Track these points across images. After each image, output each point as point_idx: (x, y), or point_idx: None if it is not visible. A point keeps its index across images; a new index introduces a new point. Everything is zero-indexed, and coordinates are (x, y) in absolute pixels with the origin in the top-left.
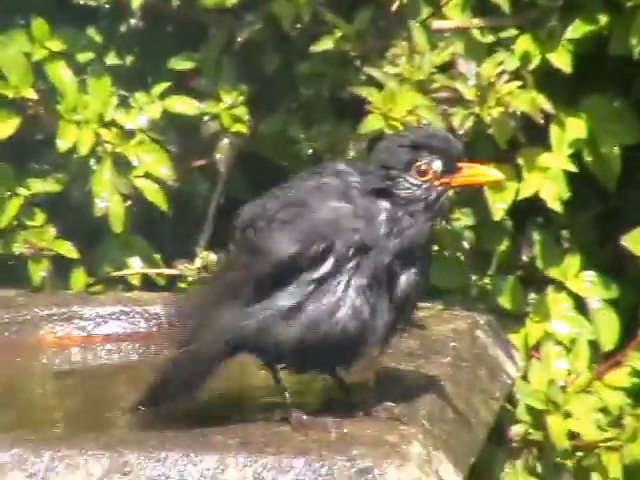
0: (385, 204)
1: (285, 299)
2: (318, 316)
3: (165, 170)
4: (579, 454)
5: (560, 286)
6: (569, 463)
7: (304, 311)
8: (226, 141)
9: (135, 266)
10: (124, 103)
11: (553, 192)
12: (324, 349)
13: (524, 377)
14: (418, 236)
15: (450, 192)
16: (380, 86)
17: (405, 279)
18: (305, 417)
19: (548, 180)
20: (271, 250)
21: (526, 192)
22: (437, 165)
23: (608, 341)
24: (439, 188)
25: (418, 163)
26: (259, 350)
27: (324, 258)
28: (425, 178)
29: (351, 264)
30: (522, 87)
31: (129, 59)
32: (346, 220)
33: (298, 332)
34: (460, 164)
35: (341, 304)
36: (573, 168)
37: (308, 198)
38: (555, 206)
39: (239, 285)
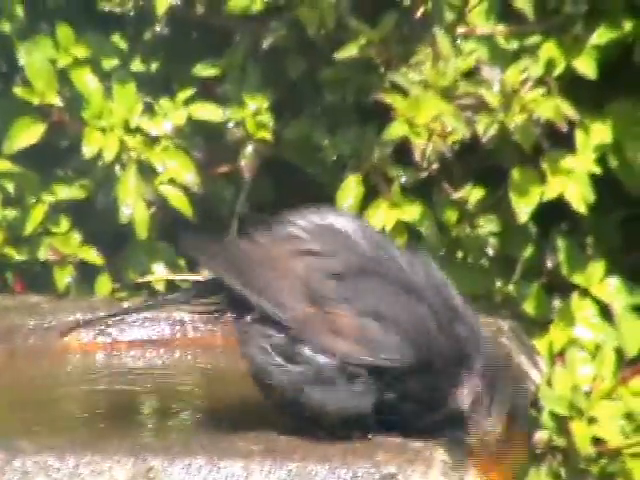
0: None
1: None
2: None
3: (190, 176)
4: (603, 460)
5: (584, 292)
6: (593, 469)
7: None
8: (250, 147)
9: (160, 272)
10: (149, 109)
11: (578, 194)
12: None
13: (548, 383)
14: None
15: None
16: (404, 92)
17: None
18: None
19: (572, 182)
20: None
21: (550, 194)
22: None
23: (633, 347)
24: None
25: None
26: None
27: None
28: None
29: None
30: (546, 94)
31: (154, 65)
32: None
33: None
34: None
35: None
36: (598, 170)
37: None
38: (580, 208)
39: None
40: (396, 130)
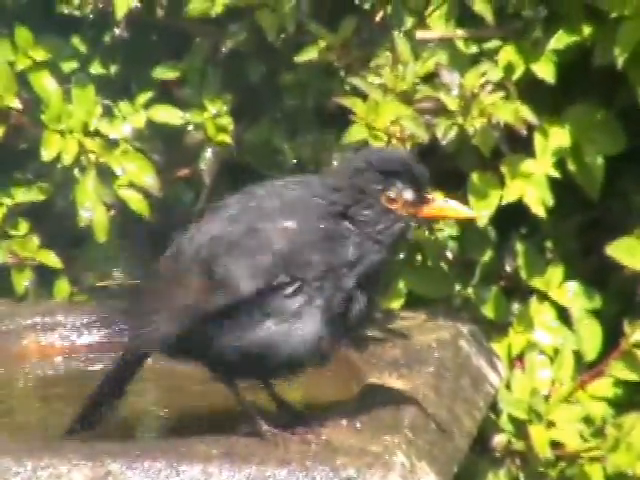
0: (352, 227)
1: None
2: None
3: (149, 179)
4: (562, 464)
5: (543, 296)
6: (552, 473)
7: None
8: (210, 151)
9: (119, 276)
10: (108, 112)
11: (536, 197)
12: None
13: (507, 387)
14: (380, 264)
15: (416, 223)
16: (364, 96)
17: (360, 304)
18: (275, 430)
19: (531, 186)
20: (231, 285)
21: (509, 197)
22: (407, 195)
23: (591, 351)
24: (405, 218)
25: (389, 192)
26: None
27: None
28: (393, 206)
29: (312, 288)
30: (505, 98)
31: (113, 68)
32: (310, 247)
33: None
34: (430, 195)
35: (298, 328)
36: (556, 174)
37: (270, 221)
38: (539, 211)
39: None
40: (355, 134)
